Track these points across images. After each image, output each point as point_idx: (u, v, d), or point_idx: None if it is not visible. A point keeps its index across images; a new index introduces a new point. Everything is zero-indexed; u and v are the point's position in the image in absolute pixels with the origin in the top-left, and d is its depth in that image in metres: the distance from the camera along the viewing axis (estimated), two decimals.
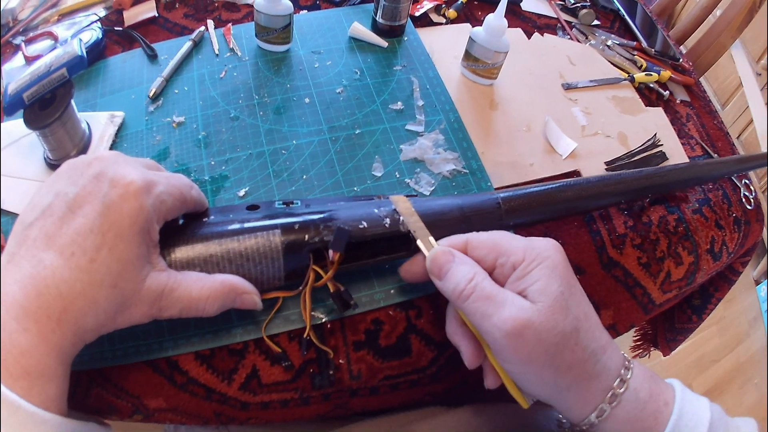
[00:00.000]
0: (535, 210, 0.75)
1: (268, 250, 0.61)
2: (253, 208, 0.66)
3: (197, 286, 0.57)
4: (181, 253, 0.59)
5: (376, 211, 0.68)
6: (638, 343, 1.39)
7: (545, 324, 0.54)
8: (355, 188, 0.83)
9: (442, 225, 0.68)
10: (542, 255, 0.59)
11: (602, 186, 0.80)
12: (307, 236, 0.63)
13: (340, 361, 0.70)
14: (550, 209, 0.77)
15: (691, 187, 0.98)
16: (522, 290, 0.57)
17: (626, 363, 0.59)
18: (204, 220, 0.63)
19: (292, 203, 0.69)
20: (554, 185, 0.78)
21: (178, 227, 0.61)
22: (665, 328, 1.28)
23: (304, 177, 0.83)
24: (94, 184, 0.53)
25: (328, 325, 0.72)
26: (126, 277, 0.52)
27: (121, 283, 0.51)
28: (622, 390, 0.57)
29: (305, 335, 0.66)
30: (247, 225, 0.62)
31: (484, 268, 0.61)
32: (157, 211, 0.55)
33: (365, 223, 0.66)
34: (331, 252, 0.63)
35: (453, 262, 0.61)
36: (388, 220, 0.67)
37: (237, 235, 0.61)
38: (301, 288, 0.66)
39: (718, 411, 0.58)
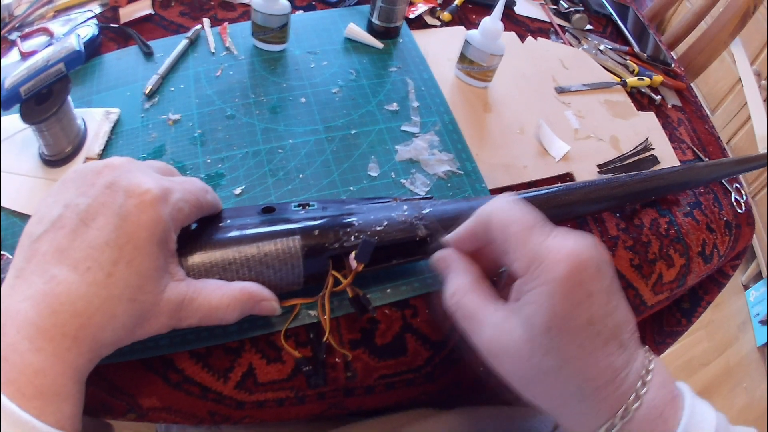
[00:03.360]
0: (545, 213, 0.75)
1: (288, 255, 0.61)
2: (268, 210, 0.66)
3: (217, 295, 0.56)
4: (200, 259, 0.58)
5: (393, 215, 0.67)
6: None
7: (519, 354, 0.52)
8: (351, 188, 0.83)
9: (454, 227, 0.68)
10: (545, 276, 0.50)
11: (608, 188, 0.81)
12: (326, 242, 0.63)
13: (336, 359, 0.70)
14: (558, 212, 0.77)
15: (691, 188, 0.99)
16: (519, 303, 0.53)
17: (643, 374, 0.53)
18: (220, 224, 0.62)
19: (309, 205, 0.68)
20: (561, 188, 0.78)
21: (193, 232, 0.61)
22: (654, 331, 1.28)
23: (300, 176, 0.83)
24: (107, 195, 0.51)
25: None
26: (145, 290, 0.51)
27: (141, 297, 0.50)
28: (637, 405, 0.51)
29: (324, 339, 0.66)
30: (265, 230, 0.62)
31: (499, 250, 0.57)
32: (175, 219, 0.54)
33: (385, 229, 0.66)
34: (353, 261, 0.62)
35: (446, 269, 0.61)
36: (405, 226, 0.67)
37: (256, 240, 0.60)
38: (320, 294, 0.65)
39: (723, 421, 0.54)
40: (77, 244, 0.49)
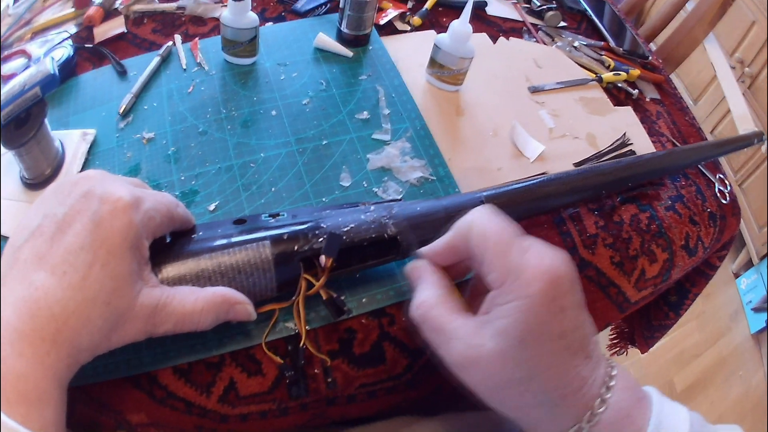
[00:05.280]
0: (519, 207, 0.76)
1: (259, 261, 0.62)
2: (240, 222, 0.67)
3: (190, 299, 0.57)
4: (173, 269, 0.60)
5: (362, 217, 0.68)
6: (615, 341, 1.40)
7: (490, 366, 0.53)
8: (324, 199, 0.83)
9: (427, 226, 0.69)
10: (521, 292, 0.52)
11: (582, 178, 0.82)
12: (296, 246, 0.64)
13: (315, 370, 0.70)
14: (533, 205, 0.78)
15: (670, 174, 0.99)
16: (490, 316, 0.54)
17: (607, 379, 0.54)
18: (192, 236, 0.64)
19: (279, 215, 0.69)
20: (536, 181, 0.79)
21: (168, 245, 0.62)
22: (642, 326, 1.29)
23: (273, 189, 0.84)
24: (82, 203, 0.53)
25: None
26: (119, 293, 0.52)
27: (115, 300, 0.51)
28: (602, 410, 0.53)
29: (301, 344, 0.67)
30: (236, 239, 0.63)
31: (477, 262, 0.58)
32: (146, 227, 0.55)
33: (353, 229, 0.67)
34: (323, 258, 0.63)
35: (417, 279, 0.61)
36: (374, 225, 0.68)
37: (227, 248, 0.62)
38: (294, 298, 0.66)
39: (698, 421, 0.55)
40: (55, 250, 0.51)
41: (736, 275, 2.90)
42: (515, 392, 0.54)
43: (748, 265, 2.87)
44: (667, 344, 2.58)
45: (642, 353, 1.37)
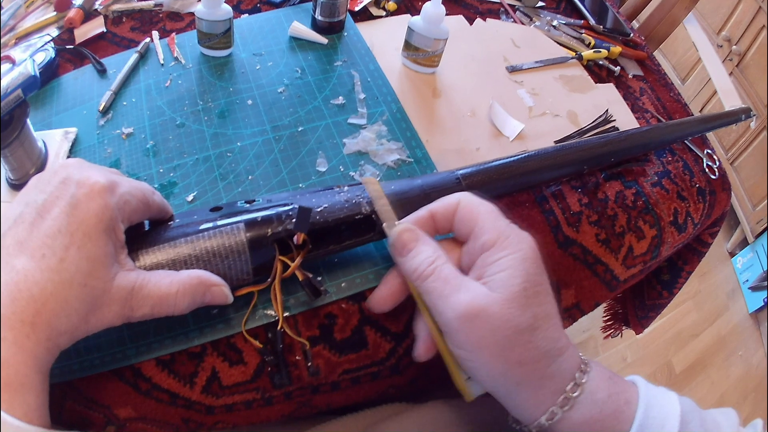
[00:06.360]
0: (497, 184, 0.76)
1: (234, 244, 0.62)
2: (216, 209, 0.67)
3: (166, 282, 0.57)
4: (150, 254, 0.60)
5: (336, 197, 0.69)
6: (609, 323, 1.39)
7: (499, 314, 0.54)
8: (300, 185, 0.83)
9: (403, 204, 0.69)
10: (515, 246, 0.59)
11: (561, 155, 0.81)
12: (270, 228, 0.64)
13: (297, 357, 0.70)
14: (511, 182, 0.78)
15: (654, 149, 0.99)
16: (486, 276, 0.58)
17: (582, 366, 0.58)
18: (169, 224, 0.64)
19: (254, 201, 0.69)
20: (514, 158, 0.78)
21: (145, 232, 0.63)
22: (635, 306, 1.28)
23: (250, 178, 0.84)
24: (61, 189, 0.54)
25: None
26: (95, 275, 0.52)
27: (91, 282, 0.52)
28: (576, 394, 0.56)
29: (279, 328, 0.67)
30: (211, 224, 0.63)
31: (460, 236, 0.64)
32: (122, 210, 0.56)
33: (327, 209, 0.67)
34: (297, 237, 0.64)
35: (417, 241, 0.62)
36: (348, 204, 0.68)
37: (202, 233, 0.62)
38: (270, 280, 0.66)
39: (689, 404, 0.57)
40: (34, 235, 0.52)
41: (731, 254, 2.90)
42: (521, 345, 0.56)
43: (743, 244, 2.88)
44: (664, 324, 2.58)
45: (636, 334, 1.37)
